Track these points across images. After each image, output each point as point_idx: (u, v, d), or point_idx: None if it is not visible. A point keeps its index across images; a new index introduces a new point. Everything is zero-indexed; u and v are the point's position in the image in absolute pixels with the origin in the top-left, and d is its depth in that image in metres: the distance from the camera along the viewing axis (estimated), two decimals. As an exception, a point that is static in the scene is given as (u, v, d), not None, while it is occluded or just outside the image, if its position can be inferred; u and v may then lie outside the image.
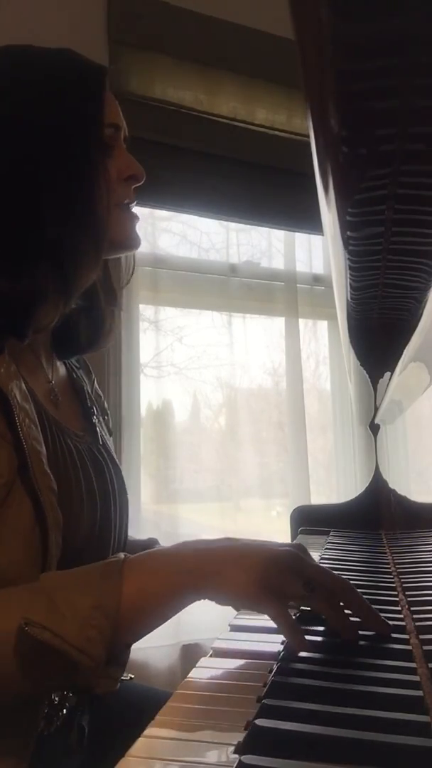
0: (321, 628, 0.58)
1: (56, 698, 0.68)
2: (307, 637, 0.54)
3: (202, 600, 0.58)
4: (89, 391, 0.86)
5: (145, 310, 1.82)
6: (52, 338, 0.80)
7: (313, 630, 0.57)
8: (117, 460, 0.81)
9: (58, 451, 0.68)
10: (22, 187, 0.67)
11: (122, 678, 0.86)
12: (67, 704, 0.69)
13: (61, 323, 0.76)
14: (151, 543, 0.91)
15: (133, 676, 0.89)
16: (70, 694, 0.71)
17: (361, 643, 0.55)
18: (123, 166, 0.75)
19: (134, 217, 0.78)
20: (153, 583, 0.56)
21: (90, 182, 0.68)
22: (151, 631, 0.58)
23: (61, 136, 0.68)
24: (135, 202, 0.78)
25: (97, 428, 0.81)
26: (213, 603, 0.58)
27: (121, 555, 0.58)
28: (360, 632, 0.56)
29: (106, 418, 0.88)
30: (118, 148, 0.75)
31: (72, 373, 0.85)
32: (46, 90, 0.69)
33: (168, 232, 1.92)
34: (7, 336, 0.66)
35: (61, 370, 0.82)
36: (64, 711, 0.69)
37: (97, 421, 0.82)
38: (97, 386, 0.91)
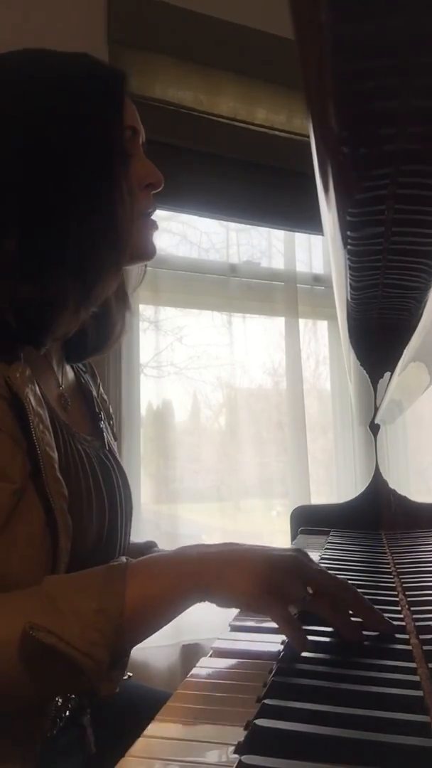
0: (321, 629, 0.58)
1: (59, 700, 0.68)
2: (308, 637, 0.54)
3: (204, 602, 0.58)
4: (96, 395, 0.86)
5: (145, 310, 1.82)
6: (63, 342, 0.80)
7: (314, 630, 0.57)
8: (122, 467, 0.81)
9: (69, 457, 0.68)
10: (44, 195, 0.65)
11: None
12: (70, 705, 0.70)
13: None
14: (149, 546, 0.91)
15: (131, 675, 0.89)
16: (74, 696, 0.71)
17: (361, 643, 0.55)
18: (143, 173, 0.73)
19: (153, 226, 0.76)
20: (156, 586, 0.56)
21: (112, 191, 0.67)
22: (154, 633, 0.58)
23: (82, 143, 0.66)
24: (155, 210, 0.76)
25: (104, 433, 0.81)
26: (213, 603, 0.58)
27: (123, 559, 0.58)
28: (363, 633, 0.56)
29: (111, 423, 0.88)
30: (137, 154, 0.73)
31: (80, 378, 0.84)
32: (66, 96, 0.68)
33: (168, 232, 1.92)
34: (24, 344, 0.66)
35: (70, 374, 0.82)
36: (68, 713, 0.69)
37: (104, 426, 0.82)
38: (102, 390, 0.91)
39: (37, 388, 0.66)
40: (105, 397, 0.91)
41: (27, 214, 0.65)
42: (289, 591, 0.56)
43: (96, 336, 0.81)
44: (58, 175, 0.65)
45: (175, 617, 0.58)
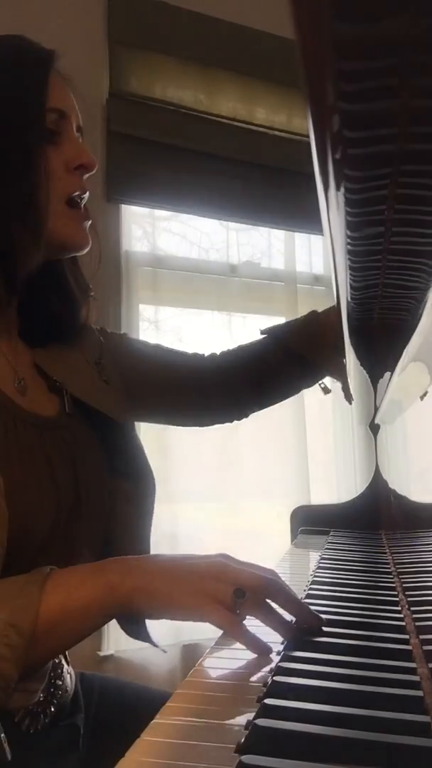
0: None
1: (42, 696, 0.67)
2: (308, 637, 0.54)
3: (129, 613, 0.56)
4: (99, 360, 0.83)
5: (145, 310, 1.82)
6: (25, 326, 0.77)
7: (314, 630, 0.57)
8: (100, 448, 0.77)
9: (15, 440, 0.66)
10: None
11: (104, 654, 0.84)
12: (54, 701, 0.69)
13: (33, 312, 0.75)
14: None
15: (166, 650, 0.86)
16: (60, 692, 0.70)
17: (361, 643, 0.55)
18: (71, 154, 0.72)
19: (82, 215, 0.74)
20: (72, 599, 0.54)
21: (25, 168, 0.67)
22: (72, 646, 0.56)
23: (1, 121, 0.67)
24: (86, 194, 0.74)
25: (78, 416, 0.77)
26: (140, 615, 0.57)
27: (47, 569, 0.56)
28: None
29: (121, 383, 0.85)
30: (67, 137, 0.72)
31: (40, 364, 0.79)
32: None
33: (168, 232, 1.92)
34: None
35: (28, 358, 0.78)
36: (52, 709, 0.68)
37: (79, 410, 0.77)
38: (116, 349, 0.89)
39: None
40: (117, 357, 0.88)
41: None
42: (216, 595, 0.54)
43: (60, 320, 0.79)
44: None
45: (96, 629, 0.56)
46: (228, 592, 0.54)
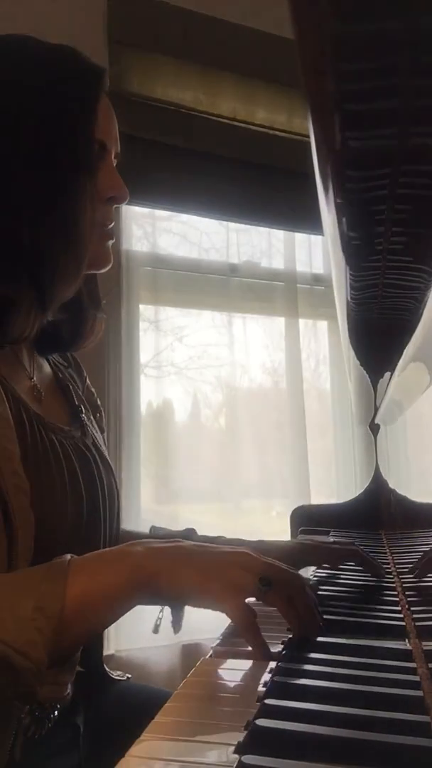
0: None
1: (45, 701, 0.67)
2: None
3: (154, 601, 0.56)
4: (78, 389, 0.86)
5: (145, 310, 1.82)
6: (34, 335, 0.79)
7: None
8: (107, 456, 0.80)
9: (39, 446, 0.67)
10: (6, 200, 0.66)
11: (119, 677, 0.86)
12: (58, 705, 0.69)
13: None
14: (188, 534, 0.90)
15: (130, 676, 0.89)
16: (66, 694, 0.70)
17: (361, 643, 0.55)
18: (107, 185, 0.73)
19: (110, 237, 0.77)
20: (98, 584, 0.54)
21: (75, 203, 0.67)
22: (98, 633, 0.57)
23: (48, 155, 0.67)
24: (113, 224, 0.77)
25: (87, 425, 0.80)
26: (162, 601, 0.57)
27: (68, 556, 0.56)
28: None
29: (98, 415, 0.88)
30: (104, 167, 0.73)
31: (57, 373, 0.84)
32: (37, 97, 0.67)
33: (168, 232, 1.92)
34: None
35: (45, 368, 0.82)
36: (56, 713, 0.69)
37: (86, 418, 0.81)
38: (89, 383, 0.91)
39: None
40: (92, 389, 0.90)
41: None
42: (242, 583, 0.54)
43: (67, 329, 0.81)
44: (21, 182, 0.66)
45: (122, 615, 0.56)
46: (252, 581, 0.54)
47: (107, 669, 0.85)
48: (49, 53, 0.70)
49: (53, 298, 0.69)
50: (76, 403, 0.82)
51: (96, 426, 0.85)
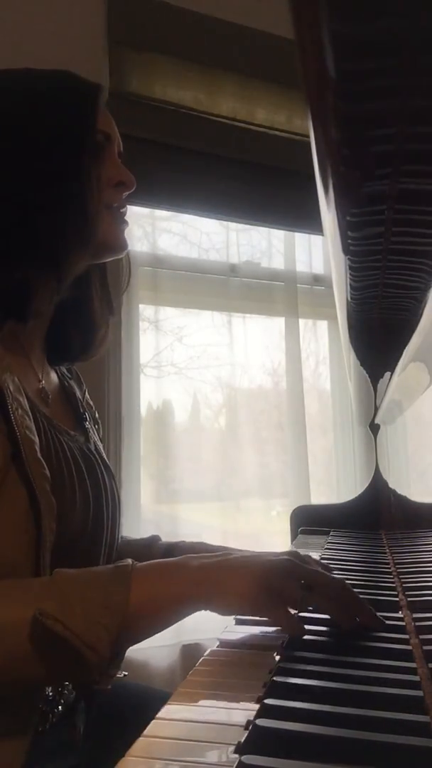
0: (321, 628, 0.58)
1: (50, 693, 0.68)
2: (308, 637, 0.54)
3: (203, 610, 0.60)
4: (81, 398, 0.88)
5: (145, 310, 1.82)
6: (45, 345, 0.83)
7: (314, 630, 0.57)
8: (109, 464, 0.83)
9: (51, 444, 0.70)
10: (14, 184, 0.70)
11: (117, 675, 0.86)
12: (62, 701, 0.70)
13: (54, 330, 0.81)
14: (153, 541, 0.92)
15: (126, 673, 0.89)
16: (66, 691, 0.71)
17: (361, 643, 0.55)
18: (113, 173, 0.78)
19: (123, 222, 0.81)
20: (160, 591, 0.58)
21: (80, 179, 0.72)
22: (151, 636, 0.60)
23: (55, 139, 0.72)
24: (125, 208, 0.81)
25: (90, 432, 0.83)
26: (213, 611, 0.60)
27: (129, 561, 0.60)
28: (359, 630, 0.56)
29: (97, 427, 0.90)
30: (110, 157, 0.78)
31: (64, 382, 0.87)
32: (42, 98, 0.74)
33: (168, 232, 1.92)
34: (7, 319, 0.71)
35: (53, 376, 0.85)
36: (60, 708, 0.69)
37: (89, 426, 0.84)
38: (89, 396, 0.94)
39: (16, 378, 0.68)
40: (91, 403, 0.93)
41: (2, 205, 0.70)
42: (287, 592, 0.58)
43: (80, 339, 0.85)
44: (27, 164, 0.71)
45: (174, 623, 0.60)
46: (293, 586, 0.59)
47: None
48: (49, 72, 0.78)
49: (67, 269, 0.73)
50: (81, 410, 0.85)
51: (97, 437, 0.87)
